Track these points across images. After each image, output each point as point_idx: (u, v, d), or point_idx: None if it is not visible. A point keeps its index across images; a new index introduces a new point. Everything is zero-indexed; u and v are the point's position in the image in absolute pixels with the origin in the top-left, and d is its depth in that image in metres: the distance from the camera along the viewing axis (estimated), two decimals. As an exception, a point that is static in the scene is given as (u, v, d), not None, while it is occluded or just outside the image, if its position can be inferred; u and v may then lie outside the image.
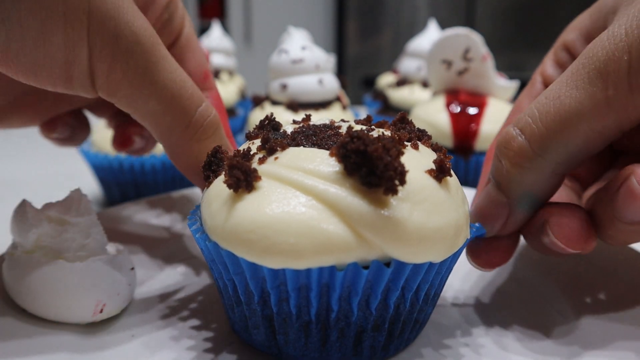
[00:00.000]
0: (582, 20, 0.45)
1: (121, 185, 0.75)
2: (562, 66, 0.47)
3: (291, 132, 0.39)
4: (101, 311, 0.40)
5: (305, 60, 0.76)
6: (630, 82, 0.32)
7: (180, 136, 0.42)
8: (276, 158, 0.35)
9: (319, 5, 3.43)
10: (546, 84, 0.48)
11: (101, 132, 0.73)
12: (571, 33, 0.46)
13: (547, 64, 0.48)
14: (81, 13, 0.34)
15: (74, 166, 0.91)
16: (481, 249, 0.43)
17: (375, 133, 0.37)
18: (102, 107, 0.54)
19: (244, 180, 0.34)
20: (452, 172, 0.37)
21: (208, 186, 0.38)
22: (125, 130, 0.52)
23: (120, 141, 0.52)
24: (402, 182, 0.32)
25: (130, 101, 0.39)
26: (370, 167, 0.31)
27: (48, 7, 0.33)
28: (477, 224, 0.41)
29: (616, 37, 0.33)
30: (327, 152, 0.35)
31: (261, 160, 0.36)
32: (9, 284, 0.41)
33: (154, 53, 0.38)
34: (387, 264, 0.33)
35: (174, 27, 0.47)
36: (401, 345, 0.39)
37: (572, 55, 0.46)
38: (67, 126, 0.52)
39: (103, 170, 0.74)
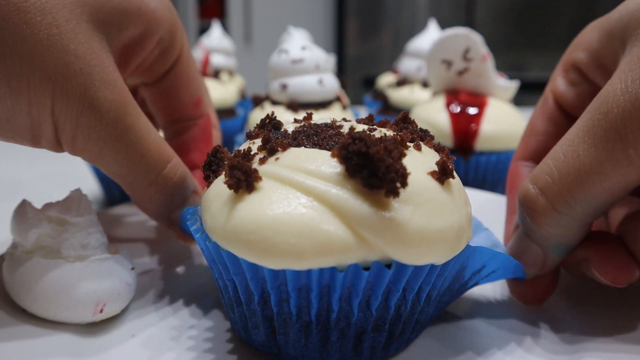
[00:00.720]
0: (590, 41, 0.44)
1: (121, 185, 0.74)
2: (574, 85, 0.47)
3: (292, 132, 0.39)
4: (101, 311, 0.40)
5: (305, 60, 0.76)
6: None
7: (143, 192, 0.44)
8: (277, 158, 0.35)
9: (319, 5, 3.43)
10: (558, 102, 0.48)
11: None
12: (580, 53, 0.45)
13: (558, 82, 0.48)
14: (45, 97, 0.37)
15: (74, 166, 0.91)
16: (527, 288, 0.43)
17: (377, 133, 0.37)
18: None
19: (244, 180, 0.34)
20: (454, 173, 0.37)
21: (208, 186, 0.38)
22: None
23: None
24: (404, 184, 0.32)
25: (94, 162, 0.41)
26: (372, 169, 0.31)
27: (14, 91, 0.36)
28: (517, 263, 0.41)
29: (632, 95, 0.33)
30: (329, 153, 0.35)
31: (262, 161, 0.36)
32: (8, 284, 0.41)
33: (117, 126, 0.40)
34: (388, 265, 0.33)
35: (168, 59, 0.48)
36: (401, 345, 0.39)
37: (583, 76, 0.46)
38: None
39: (103, 170, 0.74)
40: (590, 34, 0.45)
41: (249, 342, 0.39)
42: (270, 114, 0.41)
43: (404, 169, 0.31)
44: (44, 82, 0.36)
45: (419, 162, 0.35)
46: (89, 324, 0.41)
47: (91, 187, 0.82)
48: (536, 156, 0.49)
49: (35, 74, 0.36)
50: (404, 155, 0.32)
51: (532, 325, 0.43)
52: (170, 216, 0.46)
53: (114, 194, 0.76)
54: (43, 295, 0.39)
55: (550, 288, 0.43)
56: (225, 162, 0.38)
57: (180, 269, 0.51)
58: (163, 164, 0.44)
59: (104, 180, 0.76)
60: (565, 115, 0.48)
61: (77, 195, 0.43)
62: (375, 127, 0.40)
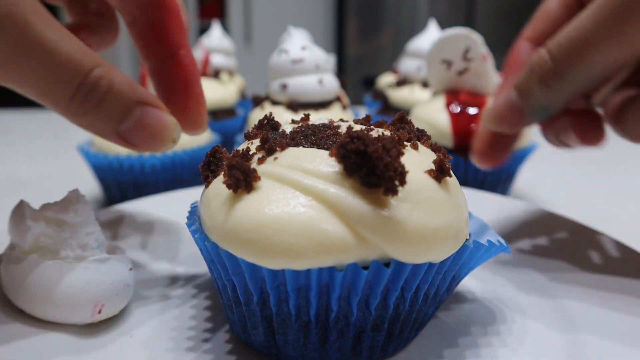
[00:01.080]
0: None
1: (121, 185, 0.74)
2: None
3: (290, 132, 0.39)
4: (100, 312, 0.40)
5: (305, 60, 0.76)
6: None
7: (68, 106, 0.39)
8: (275, 158, 0.35)
9: (319, 5, 3.43)
10: None
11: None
12: None
13: None
14: None
15: (74, 166, 0.91)
16: (487, 146, 0.52)
17: (374, 133, 0.37)
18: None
19: (243, 180, 0.33)
20: (451, 172, 0.37)
21: (207, 186, 0.38)
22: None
23: None
24: (402, 182, 0.31)
25: (4, 84, 0.37)
26: (370, 168, 0.31)
27: None
28: (501, 241, 0.40)
29: None
30: (327, 152, 0.34)
31: (260, 160, 0.36)
32: (6, 285, 0.41)
33: (19, 44, 0.35)
34: (387, 264, 0.33)
35: None
36: (400, 345, 0.39)
37: None
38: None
39: (103, 170, 0.74)
40: None
41: (248, 342, 0.39)
42: (268, 114, 0.41)
43: (402, 167, 0.31)
44: None
45: (417, 160, 0.35)
46: (87, 325, 0.41)
47: (90, 187, 0.82)
48: (543, 38, 0.51)
49: None
50: (402, 154, 0.32)
51: (530, 324, 0.42)
52: (118, 132, 0.40)
53: (113, 194, 0.76)
54: (41, 296, 0.39)
55: (507, 151, 0.52)
56: (224, 162, 0.38)
57: (179, 269, 0.51)
58: (83, 71, 0.38)
59: (103, 180, 0.76)
60: (580, 4, 0.50)
61: (75, 196, 0.43)
62: (372, 127, 0.40)
